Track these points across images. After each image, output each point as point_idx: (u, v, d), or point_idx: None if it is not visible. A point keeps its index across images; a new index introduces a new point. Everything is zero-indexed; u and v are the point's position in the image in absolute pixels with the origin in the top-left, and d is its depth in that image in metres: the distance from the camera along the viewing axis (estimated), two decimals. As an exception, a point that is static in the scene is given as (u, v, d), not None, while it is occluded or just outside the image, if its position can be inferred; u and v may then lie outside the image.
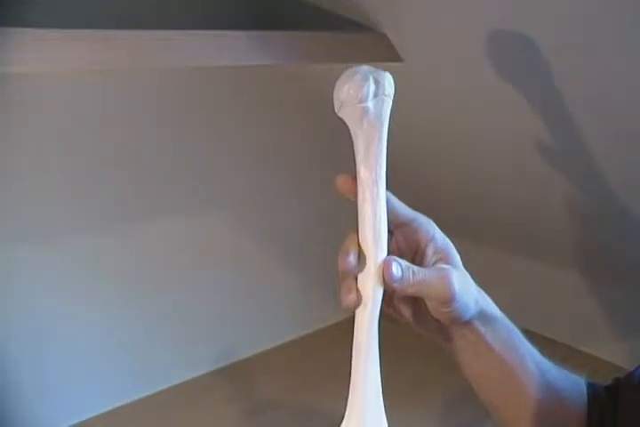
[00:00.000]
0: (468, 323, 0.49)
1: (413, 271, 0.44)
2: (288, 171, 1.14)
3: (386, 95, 0.43)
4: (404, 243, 0.50)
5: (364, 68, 0.44)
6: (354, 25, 0.82)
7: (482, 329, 0.50)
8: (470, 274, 0.51)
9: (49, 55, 0.55)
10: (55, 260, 0.91)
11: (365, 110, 0.43)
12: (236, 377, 1.08)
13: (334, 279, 0.45)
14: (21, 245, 0.86)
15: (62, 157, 0.87)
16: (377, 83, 0.42)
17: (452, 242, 0.51)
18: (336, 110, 0.44)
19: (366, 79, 0.42)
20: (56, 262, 0.91)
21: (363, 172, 0.43)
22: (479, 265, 1.32)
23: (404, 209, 0.48)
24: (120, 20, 0.67)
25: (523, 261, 1.23)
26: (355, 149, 0.43)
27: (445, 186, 1.18)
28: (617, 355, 1.10)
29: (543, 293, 1.20)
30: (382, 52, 0.82)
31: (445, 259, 0.49)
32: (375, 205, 0.43)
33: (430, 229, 0.50)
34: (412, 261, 0.47)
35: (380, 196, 0.43)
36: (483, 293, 0.52)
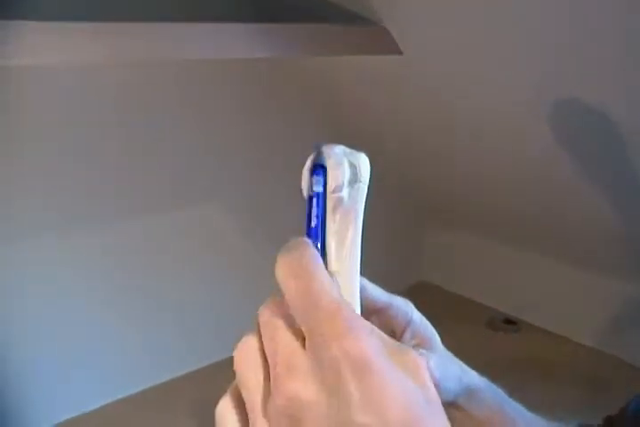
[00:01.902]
0: (452, 402, 0.47)
1: None
2: (288, 167, 1.13)
3: (362, 182, 0.38)
4: (382, 329, 0.47)
5: (337, 149, 0.38)
6: (354, 18, 0.82)
7: (467, 405, 0.48)
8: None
9: (52, 48, 0.55)
10: (53, 258, 0.90)
11: (339, 201, 0.37)
12: (230, 374, 1.07)
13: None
14: (20, 244, 0.86)
15: (59, 153, 0.87)
16: (352, 167, 0.38)
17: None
18: (305, 195, 0.37)
19: (340, 164, 0.37)
20: (53, 261, 0.90)
21: (335, 265, 0.36)
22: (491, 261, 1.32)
23: (379, 295, 0.45)
24: (119, 13, 0.67)
25: (523, 254, 1.23)
26: (326, 240, 0.37)
27: (446, 181, 1.19)
28: (612, 346, 1.11)
29: (543, 284, 1.21)
30: (382, 45, 0.82)
31: (423, 343, 0.47)
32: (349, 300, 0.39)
33: (408, 311, 0.47)
34: None
35: (355, 289, 0.39)
36: (464, 367, 0.50)
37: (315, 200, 0.35)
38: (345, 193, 0.37)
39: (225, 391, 0.31)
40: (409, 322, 0.46)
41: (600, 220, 0.94)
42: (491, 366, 1.16)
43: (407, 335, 0.46)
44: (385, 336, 0.29)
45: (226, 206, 1.08)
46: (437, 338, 0.48)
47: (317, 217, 0.35)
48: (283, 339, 0.28)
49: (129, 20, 0.61)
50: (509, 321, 1.25)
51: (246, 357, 0.29)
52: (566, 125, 0.82)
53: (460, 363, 0.49)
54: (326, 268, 0.33)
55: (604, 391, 1.00)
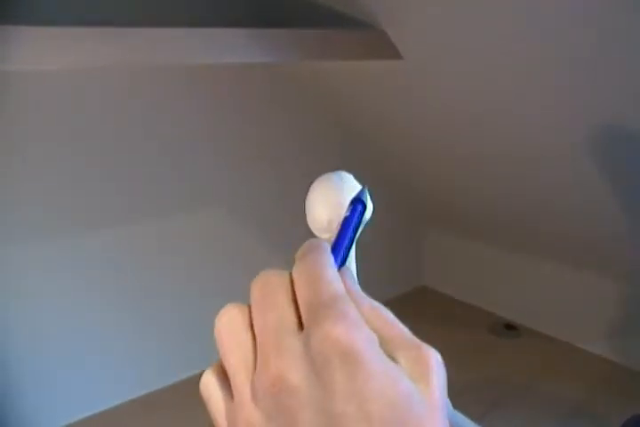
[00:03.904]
0: None
1: None
2: (287, 167, 1.14)
3: (364, 222, 0.39)
4: None
5: (348, 187, 0.39)
6: (354, 22, 0.82)
7: None
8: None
9: (51, 53, 0.55)
10: (54, 259, 0.90)
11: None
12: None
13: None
14: (20, 244, 0.86)
15: (59, 156, 0.87)
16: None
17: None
18: (312, 229, 0.39)
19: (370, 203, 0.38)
20: (54, 262, 0.90)
21: None
22: (482, 263, 1.32)
23: None
24: (118, 18, 0.67)
25: (524, 258, 1.23)
26: (349, 259, 0.38)
27: (446, 183, 1.19)
28: (614, 351, 1.11)
29: (544, 290, 1.20)
30: (382, 50, 0.82)
31: None
32: None
33: None
34: None
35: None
36: (456, 414, 0.47)
37: (349, 225, 0.36)
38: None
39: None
40: None
41: (603, 223, 0.94)
42: (491, 371, 1.17)
43: None
44: (399, 330, 0.28)
45: (226, 211, 1.08)
46: None
47: (346, 239, 0.35)
48: (278, 313, 0.28)
49: (129, 26, 0.61)
50: (510, 326, 1.25)
51: (231, 329, 0.28)
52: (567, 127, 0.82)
53: (454, 412, 0.46)
54: None
55: (605, 397, 0.99)
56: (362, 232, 0.39)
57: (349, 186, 0.39)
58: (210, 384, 0.29)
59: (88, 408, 0.98)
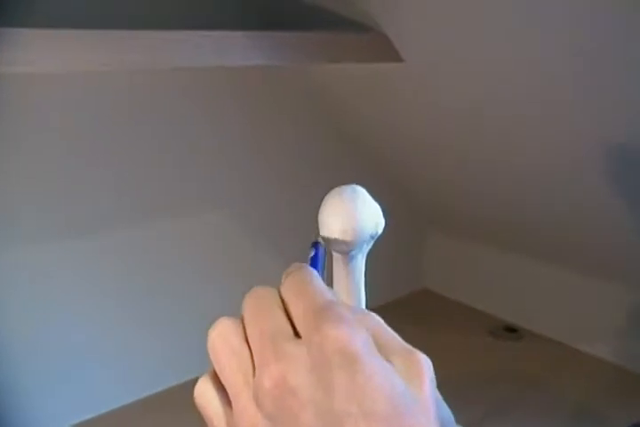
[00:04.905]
0: None
1: None
2: (289, 171, 1.14)
3: (374, 237, 0.41)
4: None
5: (361, 200, 0.41)
6: (354, 25, 0.82)
7: None
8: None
9: (51, 56, 0.55)
10: (55, 261, 0.90)
11: (352, 257, 0.41)
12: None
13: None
14: (21, 246, 0.86)
15: (61, 158, 0.87)
16: (377, 225, 0.41)
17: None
18: (322, 235, 0.40)
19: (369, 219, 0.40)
20: (55, 263, 0.90)
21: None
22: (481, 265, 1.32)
23: None
24: (120, 20, 0.67)
25: (524, 261, 1.23)
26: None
27: (445, 183, 1.19)
28: (615, 354, 1.11)
29: (544, 292, 1.20)
30: (383, 53, 0.82)
31: None
32: None
33: None
34: None
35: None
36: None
37: (317, 262, 0.39)
38: (365, 249, 0.43)
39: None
40: None
41: (604, 226, 0.94)
42: (492, 374, 1.17)
43: None
44: (391, 336, 0.29)
45: (230, 213, 1.08)
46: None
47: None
48: (275, 321, 0.29)
49: (128, 28, 0.61)
50: (511, 329, 1.25)
51: (226, 340, 0.29)
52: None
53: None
54: None
55: (606, 400, 0.99)
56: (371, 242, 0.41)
57: (362, 200, 0.41)
58: (206, 393, 0.30)
59: (90, 410, 0.98)
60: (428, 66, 0.84)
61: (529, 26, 0.67)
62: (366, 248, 0.41)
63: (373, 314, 0.31)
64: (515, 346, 1.19)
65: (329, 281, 0.36)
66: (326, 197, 0.41)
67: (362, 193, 0.41)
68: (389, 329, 0.30)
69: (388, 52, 0.82)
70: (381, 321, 0.31)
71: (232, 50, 0.68)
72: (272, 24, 0.81)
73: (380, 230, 0.41)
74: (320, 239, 0.40)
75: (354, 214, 0.39)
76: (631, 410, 0.94)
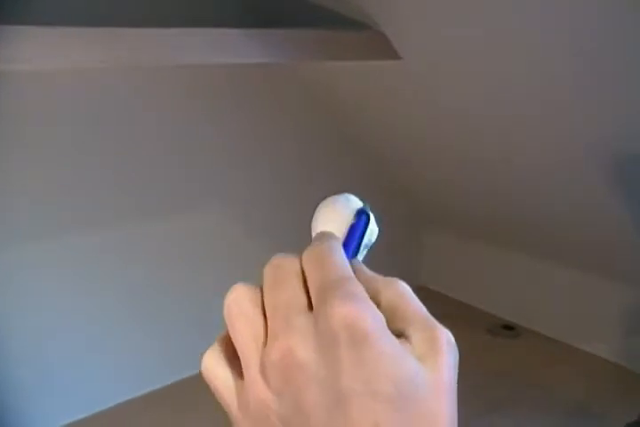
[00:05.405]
0: None
1: None
2: (289, 170, 1.14)
3: (369, 245, 0.41)
4: None
5: (354, 208, 0.40)
6: (352, 23, 0.82)
7: None
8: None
9: (50, 53, 0.55)
10: (55, 260, 0.90)
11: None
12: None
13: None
14: (22, 244, 0.86)
15: (61, 156, 0.87)
16: (371, 234, 0.40)
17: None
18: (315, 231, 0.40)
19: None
20: (56, 262, 0.90)
21: None
22: (483, 263, 1.32)
23: None
24: (119, 18, 0.67)
25: (522, 259, 1.23)
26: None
27: (444, 182, 1.19)
28: (613, 352, 1.11)
29: (542, 290, 1.20)
30: (380, 50, 0.82)
31: None
32: None
33: None
34: None
35: None
36: None
37: (357, 230, 0.38)
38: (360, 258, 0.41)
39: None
40: None
41: (602, 225, 0.94)
42: (490, 372, 1.17)
43: None
44: (415, 306, 0.29)
45: (230, 211, 1.08)
46: None
47: (354, 241, 0.37)
48: (290, 293, 0.28)
49: (127, 26, 0.61)
50: (508, 327, 1.25)
51: (241, 306, 0.29)
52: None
53: None
54: None
55: (604, 398, 0.99)
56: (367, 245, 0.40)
57: (356, 208, 0.40)
58: (214, 364, 0.29)
59: (88, 407, 0.98)
60: (426, 64, 0.84)
61: (529, 26, 0.67)
62: (360, 257, 0.41)
63: (400, 282, 0.30)
64: (512, 344, 1.20)
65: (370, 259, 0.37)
66: (319, 206, 0.41)
67: (355, 202, 0.41)
68: (415, 298, 0.29)
69: (386, 50, 0.82)
70: (408, 289, 0.30)
71: (231, 47, 0.68)
72: (271, 22, 0.81)
73: (374, 239, 0.41)
74: (367, 207, 0.39)
75: (348, 222, 0.39)
76: (629, 408, 0.94)
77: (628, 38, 0.61)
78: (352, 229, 0.37)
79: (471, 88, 0.84)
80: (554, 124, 0.81)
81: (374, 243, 0.41)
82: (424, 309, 0.29)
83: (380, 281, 0.30)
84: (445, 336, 0.27)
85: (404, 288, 0.30)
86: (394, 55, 0.83)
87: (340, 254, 0.30)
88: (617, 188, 0.85)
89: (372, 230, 0.41)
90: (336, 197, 0.41)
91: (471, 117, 0.90)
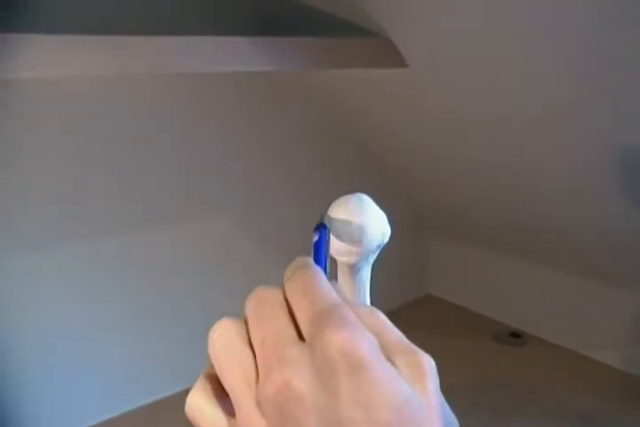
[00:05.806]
0: None
1: None
2: (294, 177, 1.14)
3: (380, 247, 0.41)
4: None
5: (367, 208, 0.41)
6: (359, 30, 0.82)
7: None
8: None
9: (53, 60, 0.55)
10: (57, 267, 0.90)
11: (359, 269, 0.42)
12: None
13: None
14: (24, 252, 0.86)
15: (64, 163, 0.87)
16: (383, 235, 0.41)
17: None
18: (332, 232, 0.40)
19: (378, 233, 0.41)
20: (58, 270, 0.90)
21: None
22: (486, 270, 1.32)
23: None
24: (122, 26, 0.67)
25: (528, 266, 1.22)
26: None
27: (455, 191, 1.18)
28: (620, 360, 1.10)
29: (549, 298, 1.20)
30: (388, 58, 0.82)
31: None
32: None
33: None
34: None
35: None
36: None
37: (321, 246, 0.37)
38: (371, 259, 0.43)
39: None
40: None
41: (606, 232, 0.94)
42: (496, 379, 1.16)
43: None
44: (395, 335, 0.28)
45: (235, 218, 1.08)
46: None
47: (322, 258, 0.37)
48: (277, 325, 0.28)
49: (131, 34, 0.61)
50: (515, 334, 1.25)
51: (228, 342, 0.28)
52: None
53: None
54: None
55: (611, 406, 0.99)
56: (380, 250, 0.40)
57: (369, 209, 0.41)
58: (201, 404, 0.28)
59: (90, 417, 0.98)
60: (433, 72, 0.84)
61: (534, 30, 0.67)
62: (372, 258, 0.41)
63: (379, 312, 0.30)
64: (519, 351, 1.19)
65: (333, 269, 0.36)
66: (332, 206, 0.41)
67: (368, 202, 0.41)
68: (394, 328, 0.29)
69: (394, 58, 0.82)
70: (386, 319, 0.30)
71: (236, 55, 0.68)
72: (277, 30, 0.81)
73: (387, 239, 0.41)
74: (326, 219, 0.39)
75: (361, 225, 0.39)
76: (636, 416, 0.93)
77: (629, 38, 0.61)
78: (316, 245, 0.37)
79: (478, 97, 0.84)
80: (555, 132, 0.81)
81: (386, 244, 0.41)
82: (404, 336, 0.29)
83: (361, 309, 0.29)
84: (428, 361, 0.27)
85: (384, 316, 0.30)
86: (401, 63, 0.83)
87: (324, 281, 0.30)
88: (619, 193, 0.84)
89: (385, 232, 0.40)
90: (349, 197, 0.41)
91: (476, 126, 0.90)
